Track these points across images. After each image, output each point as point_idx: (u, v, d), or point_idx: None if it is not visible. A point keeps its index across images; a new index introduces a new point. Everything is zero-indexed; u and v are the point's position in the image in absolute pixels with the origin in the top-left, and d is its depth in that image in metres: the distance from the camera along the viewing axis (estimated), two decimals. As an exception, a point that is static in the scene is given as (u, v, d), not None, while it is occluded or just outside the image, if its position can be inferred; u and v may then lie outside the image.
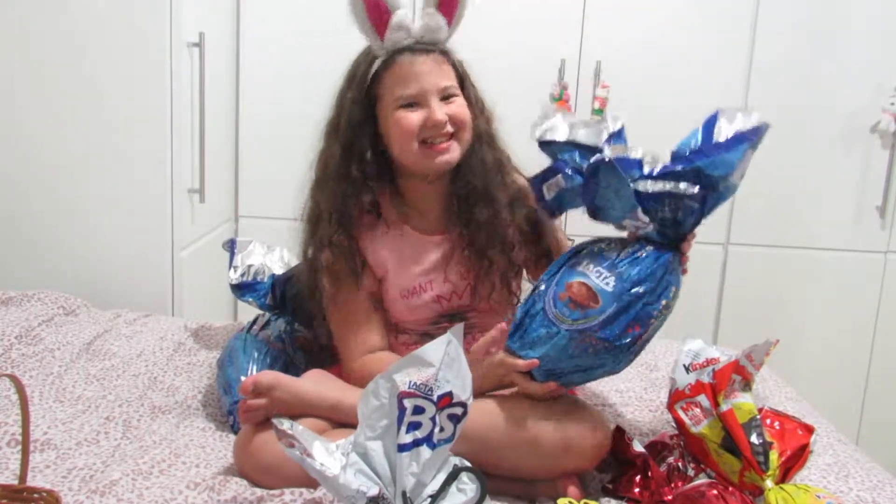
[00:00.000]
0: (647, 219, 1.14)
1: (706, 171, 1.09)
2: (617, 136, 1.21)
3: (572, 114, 1.25)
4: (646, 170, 1.15)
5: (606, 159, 1.12)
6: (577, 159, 1.20)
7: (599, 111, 2.30)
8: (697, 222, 1.15)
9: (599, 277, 1.13)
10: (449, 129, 1.24)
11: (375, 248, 1.31)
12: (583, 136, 1.21)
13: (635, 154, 1.16)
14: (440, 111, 1.23)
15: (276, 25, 2.32)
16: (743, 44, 2.31)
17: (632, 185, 1.12)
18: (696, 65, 2.31)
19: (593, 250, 1.18)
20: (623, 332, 1.10)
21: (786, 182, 2.36)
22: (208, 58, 2.02)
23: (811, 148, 2.36)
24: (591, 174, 1.15)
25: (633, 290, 1.10)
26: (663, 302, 1.12)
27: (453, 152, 1.26)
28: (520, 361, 1.14)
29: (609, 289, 1.11)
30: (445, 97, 1.25)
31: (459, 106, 1.26)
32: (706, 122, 1.16)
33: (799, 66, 2.31)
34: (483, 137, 1.31)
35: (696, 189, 1.10)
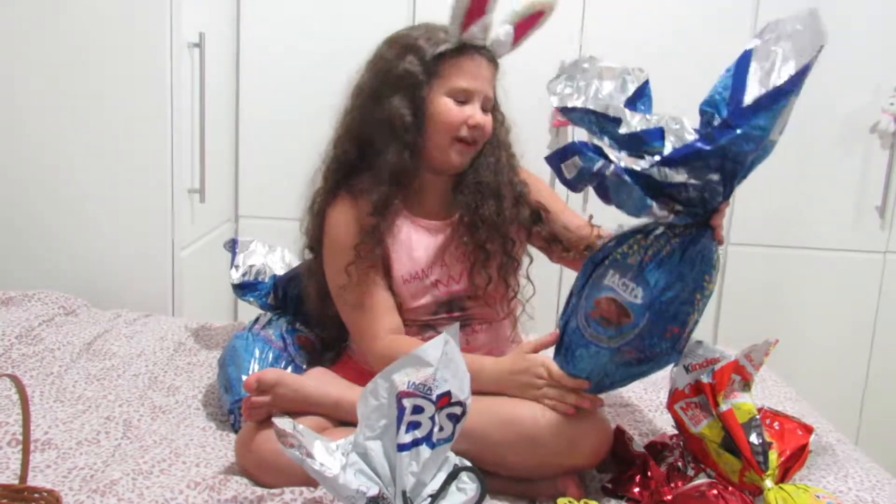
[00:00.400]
0: (664, 213, 1.07)
1: (733, 149, 0.99)
2: (640, 94, 1.12)
3: (593, 62, 1.15)
4: (667, 145, 1.04)
5: (608, 172, 1.06)
6: (597, 131, 1.12)
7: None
8: (728, 196, 1.06)
9: (626, 290, 1.07)
10: (477, 136, 1.29)
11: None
12: (605, 94, 1.11)
13: (656, 121, 1.06)
14: (480, 115, 1.29)
15: (276, 25, 2.32)
16: (743, 44, 2.30)
17: (650, 170, 1.03)
18: (696, 65, 2.30)
19: (616, 258, 1.12)
20: (661, 339, 1.08)
21: (786, 182, 2.36)
22: (208, 58, 2.02)
23: (811, 148, 2.36)
24: (598, 184, 1.09)
25: (664, 297, 1.05)
26: (697, 296, 1.07)
27: (468, 157, 1.31)
28: (568, 379, 1.13)
29: (638, 301, 1.06)
30: (484, 108, 1.30)
31: (490, 120, 1.32)
32: (737, 68, 1.01)
33: (799, 66, 2.30)
34: (500, 143, 1.35)
35: (717, 176, 1.01)
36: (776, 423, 1.17)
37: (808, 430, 1.16)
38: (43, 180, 1.94)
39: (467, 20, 1.24)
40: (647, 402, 1.46)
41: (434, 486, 0.93)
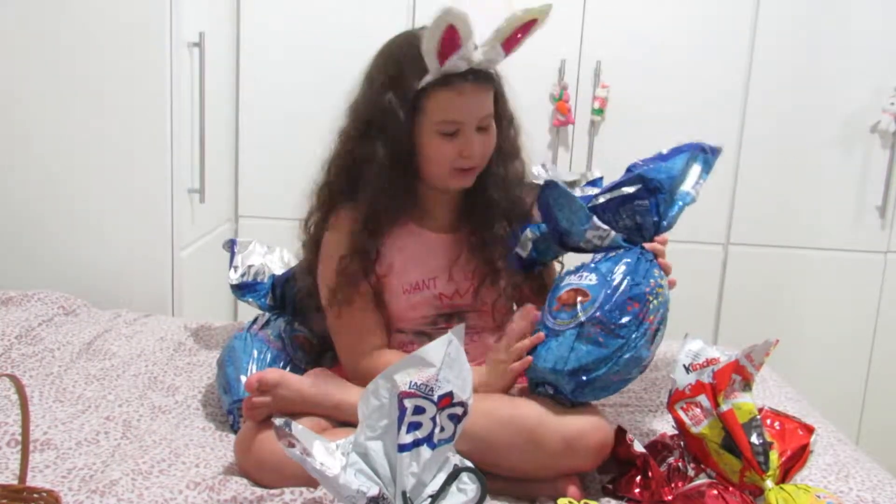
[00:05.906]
0: (605, 225, 1.21)
1: (647, 176, 1.20)
2: (593, 184, 1.33)
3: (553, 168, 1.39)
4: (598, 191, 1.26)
5: (546, 181, 1.24)
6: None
7: (599, 111, 2.29)
8: (658, 224, 1.22)
9: (582, 279, 1.20)
10: (476, 161, 1.26)
11: (382, 246, 1.32)
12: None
13: (589, 191, 1.29)
14: (475, 144, 1.23)
15: (276, 25, 2.32)
16: (743, 44, 2.31)
17: (586, 203, 1.23)
18: (696, 65, 2.30)
19: (570, 269, 1.26)
20: (623, 311, 1.13)
21: (786, 182, 2.36)
22: (208, 58, 2.02)
23: (811, 148, 2.36)
24: (542, 200, 1.25)
25: (616, 275, 1.17)
26: (651, 281, 1.16)
27: (470, 179, 1.28)
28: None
29: (594, 282, 1.18)
30: (481, 127, 1.25)
31: (489, 137, 1.27)
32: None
33: (799, 66, 2.31)
34: (509, 150, 1.32)
35: (639, 187, 1.20)
36: (777, 423, 1.16)
37: (809, 430, 1.16)
38: (43, 180, 1.94)
39: (443, 54, 1.17)
40: (647, 402, 1.45)
41: (434, 486, 0.93)
